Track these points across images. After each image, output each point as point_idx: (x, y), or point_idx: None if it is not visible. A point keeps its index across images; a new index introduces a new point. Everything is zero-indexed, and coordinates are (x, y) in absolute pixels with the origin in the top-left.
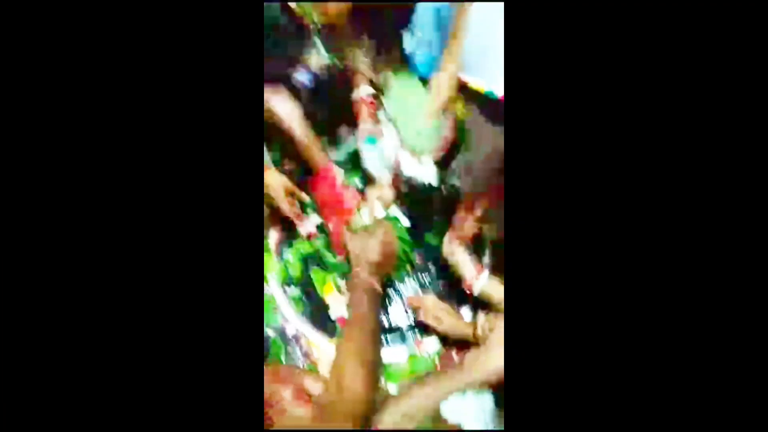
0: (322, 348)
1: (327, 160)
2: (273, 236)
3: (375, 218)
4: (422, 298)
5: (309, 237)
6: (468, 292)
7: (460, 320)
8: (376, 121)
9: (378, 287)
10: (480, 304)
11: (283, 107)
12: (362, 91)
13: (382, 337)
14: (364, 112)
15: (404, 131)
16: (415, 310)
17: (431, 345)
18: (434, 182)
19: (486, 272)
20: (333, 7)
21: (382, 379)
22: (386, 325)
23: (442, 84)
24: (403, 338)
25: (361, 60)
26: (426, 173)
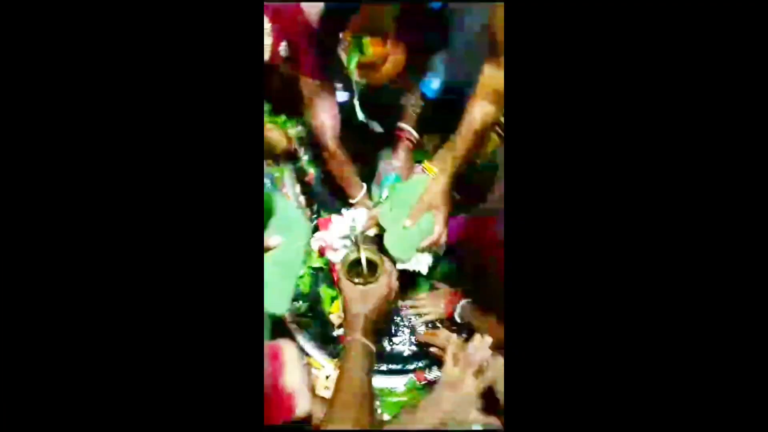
0: (322, 367)
1: (350, 171)
2: None
3: (373, 259)
4: (434, 333)
5: (321, 252)
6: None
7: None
8: (408, 160)
9: (373, 347)
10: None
11: (322, 111)
12: (404, 129)
13: (384, 364)
14: (400, 147)
15: (390, 242)
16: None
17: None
18: (424, 271)
19: (463, 301)
20: (387, 72)
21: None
22: (388, 350)
23: (433, 191)
24: (403, 367)
25: (410, 101)
26: (416, 266)
